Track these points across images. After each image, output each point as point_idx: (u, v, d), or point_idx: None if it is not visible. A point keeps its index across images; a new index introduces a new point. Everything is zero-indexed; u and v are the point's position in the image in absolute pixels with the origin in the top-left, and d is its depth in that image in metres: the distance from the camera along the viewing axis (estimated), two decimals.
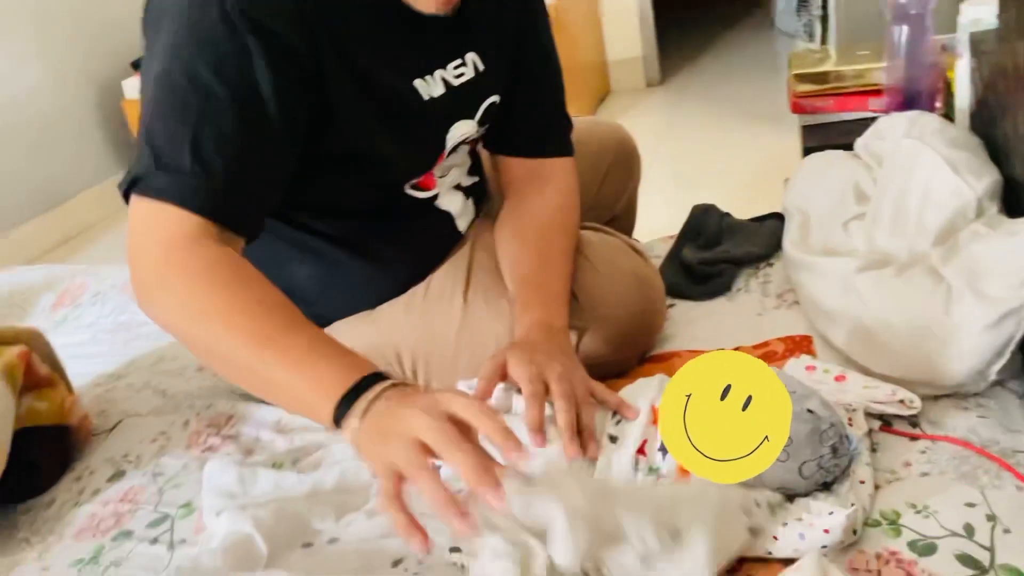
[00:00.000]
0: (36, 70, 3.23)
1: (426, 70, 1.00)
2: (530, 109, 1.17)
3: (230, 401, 1.22)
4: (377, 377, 0.78)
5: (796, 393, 0.81)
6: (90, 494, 1.09)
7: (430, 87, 1.00)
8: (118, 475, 1.11)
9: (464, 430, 0.71)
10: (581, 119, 1.27)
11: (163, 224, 0.83)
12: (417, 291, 1.10)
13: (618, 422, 0.91)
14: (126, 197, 0.87)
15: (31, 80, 3.21)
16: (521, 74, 1.13)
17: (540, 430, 0.85)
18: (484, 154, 1.24)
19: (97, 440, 1.21)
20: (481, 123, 1.10)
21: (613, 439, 0.90)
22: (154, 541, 0.98)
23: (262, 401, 1.20)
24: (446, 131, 1.05)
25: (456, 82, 1.03)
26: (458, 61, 1.03)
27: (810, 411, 0.80)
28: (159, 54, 0.86)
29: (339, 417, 0.76)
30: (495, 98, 1.10)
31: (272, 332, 0.80)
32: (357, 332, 1.08)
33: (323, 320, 1.10)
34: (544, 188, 1.15)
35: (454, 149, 1.08)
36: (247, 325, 0.80)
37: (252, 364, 0.80)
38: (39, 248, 3.18)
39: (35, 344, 1.19)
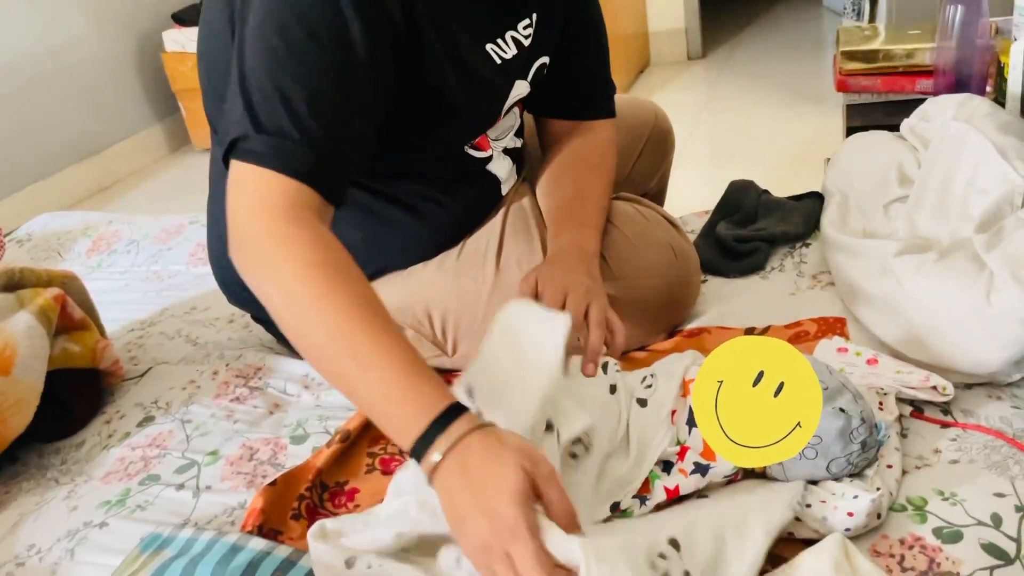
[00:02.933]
0: (77, 20, 3.25)
1: (500, 33, 1.01)
2: (577, 73, 1.17)
3: (259, 353, 1.23)
4: (457, 411, 0.74)
5: (828, 389, 0.80)
6: (119, 438, 1.11)
7: (503, 49, 1.01)
8: (147, 420, 1.13)
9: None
10: (620, 96, 1.27)
11: (263, 191, 0.82)
12: (451, 252, 1.10)
13: (648, 386, 0.91)
14: (226, 161, 0.86)
15: (72, 30, 3.23)
16: (569, 38, 1.14)
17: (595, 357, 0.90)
18: (527, 117, 1.24)
19: (128, 385, 1.22)
20: (531, 83, 1.10)
21: (642, 403, 0.90)
22: (180, 487, 1.00)
23: (290, 354, 1.21)
24: (508, 91, 1.06)
25: (526, 42, 1.04)
26: (527, 21, 1.04)
27: (841, 409, 0.79)
28: (256, 11, 0.85)
29: (419, 449, 0.73)
30: (545, 59, 1.11)
31: (362, 337, 0.77)
32: (390, 290, 1.08)
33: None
34: (582, 137, 1.17)
35: (508, 110, 1.09)
36: (339, 323, 0.77)
37: (339, 366, 0.78)
38: (76, 195, 3.22)
39: (70, 288, 1.20)
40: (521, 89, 1.08)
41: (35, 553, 0.94)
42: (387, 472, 0.97)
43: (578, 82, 1.18)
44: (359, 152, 0.91)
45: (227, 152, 0.85)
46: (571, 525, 0.70)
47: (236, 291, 1.21)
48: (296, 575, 0.79)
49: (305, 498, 0.93)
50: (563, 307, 0.92)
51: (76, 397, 1.15)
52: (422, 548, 0.79)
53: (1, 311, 1.10)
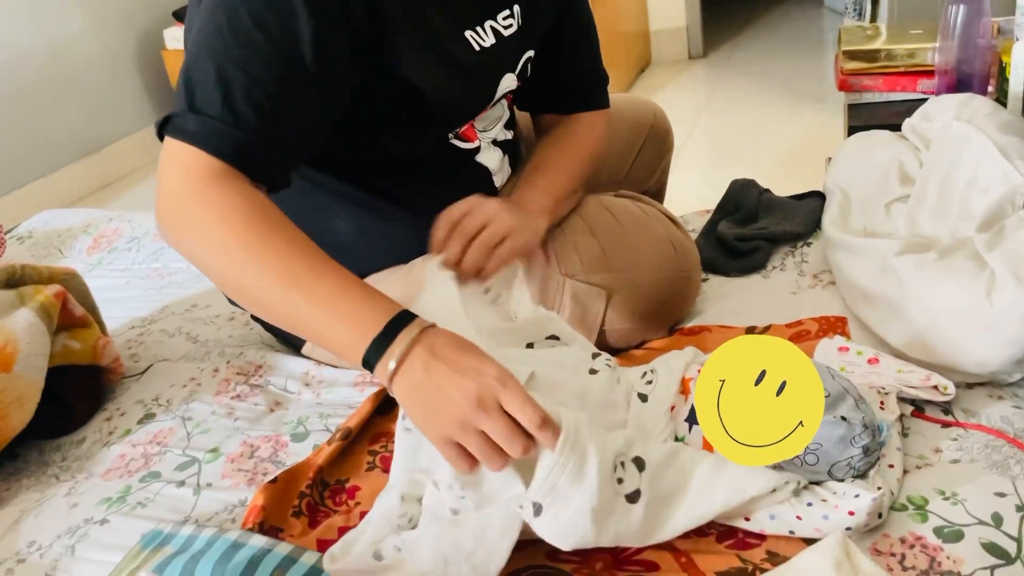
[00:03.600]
0: (78, 18, 3.25)
1: (478, 20, 1.01)
2: (567, 68, 1.18)
3: (260, 351, 1.23)
4: (407, 317, 0.78)
5: (829, 396, 0.80)
6: (120, 435, 1.11)
7: (482, 37, 1.01)
8: (148, 417, 1.13)
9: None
10: (617, 95, 1.28)
11: (191, 163, 0.84)
12: None
13: (649, 382, 0.91)
14: (160, 135, 0.88)
15: (73, 28, 3.23)
16: (558, 33, 1.14)
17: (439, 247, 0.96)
18: (521, 113, 1.25)
19: (128, 382, 1.22)
20: (519, 77, 1.11)
21: (643, 397, 0.90)
22: (181, 484, 1.00)
23: (291, 352, 1.21)
24: (496, 82, 1.06)
25: (506, 32, 1.04)
26: (506, 11, 1.04)
27: (843, 417, 0.79)
28: None
29: (371, 360, 0.76)
30: (531, 53, 1.11)
31: (301, 271, 0.81)
32: (390, 284, 1.09)
33: (358, 274, 1.10)
34: (569, 124, 1.18)
35: (495, 102, 1.09)
36: (276, 263, 0.81)
37: (280, 301, 0.81)
38: (77, 192, 3.22)
39: (71, 284, 1.20)
40: (509, 82, 1.08)
41: (36, 550, 0.94)
42: (387, 470, 0.97)
43: (569, 77, 1.19)
44: (298, 142, 0.91)
45: (161, 125, 0.86)
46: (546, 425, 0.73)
47: None
48: (297, 572, 0.79)
49: (306, 495, 0.93)
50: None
51: (77, 394, 1.15)
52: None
53: (2, 308, 1.10)
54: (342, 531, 0.88)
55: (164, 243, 1.64)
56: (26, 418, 1.06)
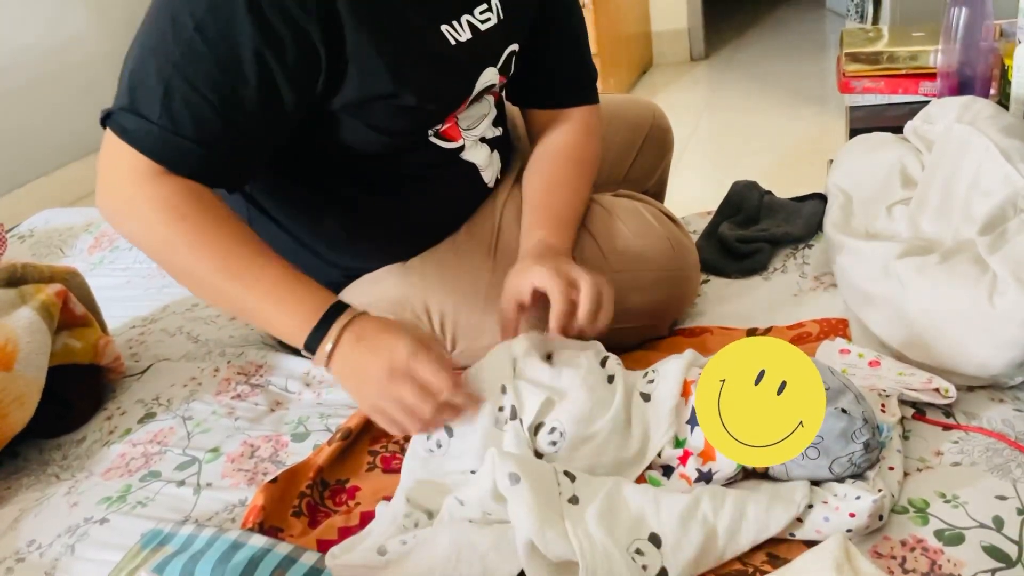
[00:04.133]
0: (81, 17, 3.25)
1: (453, 15, 0.99)
2: (554, 61, 1.18)
3: (260, 351, 1.23)
4: (340, 306, 0.89)
5: (830, 389, 0.80)
6: (120, 434, 1.11)
7: (457, 32, 1.00)
8: (148, 417, 1.13)
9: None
10: (617, 96, 1.28)
11: (130, 160, 0.88)
12: (447, 246, 1.10)
13: (650, 381, 0.91)
14: (103, 123, 0.91)
15: (76, 27, 3.23)
16: (544, 28, 1.14)
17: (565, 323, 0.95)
18: (511, 106, 1.24)
19: (129, 381, 1.22)
20: (502, 71, 1.09)
21: (645, 397, 0.90)
22: (181, 483, 1.00)
23: (292, 353, 1.21)
24: (475, 77, 1.04)
25: (483, 27, 1.03)
26: (483, 6, 1.03)
27: (843, 410, 0.79)
28: None
29: (311, 345, 0.88)
30: (515, 47, 1.10)
31: (240, 264, 0.89)
32: (386, 284, 1.09)
33: (353, 272, 1.11)
34: (562, 126, 1.18)
35: (477, 98, 1.08)
36: (214, 257, 0.89)
37: (225, 291, 0.90)
38: (78, 192, 3.22)
39: (72, 283, 1.20)
40: (490, 76, 1.07)
41: (35, 548, 0.94)
42: (388, 470, 0.97)
43: (556, 71, 1.18)
44: (247, 148, 0.92)
45: (105, 116, 0.90)
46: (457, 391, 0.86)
47: None
48: (297, 572, 0.79)
49: (306, 496, 0.93)
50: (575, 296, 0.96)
51: (77, 393, 1.15)
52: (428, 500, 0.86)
53: (3, 307, 1.10)
54: (342, 531, 0.88)
55: None
56: (26, 417, 1.06)
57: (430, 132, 1.05)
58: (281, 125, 0.92)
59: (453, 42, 0.99)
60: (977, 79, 1.46)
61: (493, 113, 1.14)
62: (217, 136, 0.88)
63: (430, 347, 0.88)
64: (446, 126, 1.06)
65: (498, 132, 1.16)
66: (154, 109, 0.86)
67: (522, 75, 1.15)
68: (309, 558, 0.80)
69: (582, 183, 1.13)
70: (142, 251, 0.94)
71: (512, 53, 1.10)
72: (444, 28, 0.98)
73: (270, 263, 0.90)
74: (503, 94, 1.18)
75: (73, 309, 1.16)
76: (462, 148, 1.10)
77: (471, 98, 1.06)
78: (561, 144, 1.16)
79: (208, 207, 0.89)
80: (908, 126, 1.28)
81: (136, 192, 0.89)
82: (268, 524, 0.89)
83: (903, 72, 1.61)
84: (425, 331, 0.92)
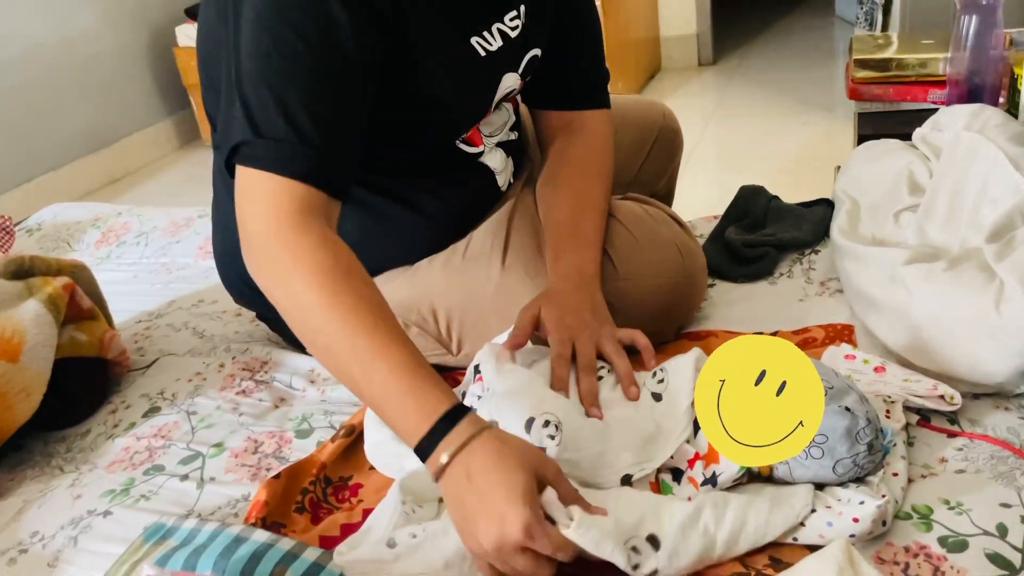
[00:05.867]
0: (91, 13, 3.26)
1: (486, 25, 1.01)
2: (570, 65, 1.18)
3: (265, 347, 1.23)
4: (460, 411, 0.77)
5: (833, 388, 0.80)
6: (125, 428, 1.11)
7: (488, 42, 1.01)
8: (153, 411, 1.13)
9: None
10: (628, 97, 1.27)
11: (269, 194, 0.85)
12: (457, 249, 1.11)
13: (660, 381, 0.91)
14: (229, 166, 0.88)
15: (86, 23, 3.24)
16: (560, 30, 1.14)
17: (564, 388, 0.92)
18: (522, 109, 1.25)
19: (134, 375, 1.23)
20: (522, 76, 1.10)
21: (656, 397, 0.90)
22: (184, 478, 1.00)
23: (296, 350, 1.21)
24: (497, 83, 1.05)
25: (513, 34, 1.04)
26: (513, 12, 1.04)
27: (847, 408, 0.79)
28: (247, 11, 0.86)
29: (426, 447, 0.76)
30: (536, 51, 1.11)
31: (365, 341, 0.80)
32: (394, 286, 1.09)
33: None
34: (578, 136, 1.17)
35: (499, 105, 1.09)
36: (343, 328, 0.80)
37: (348, 365, 0.81)
38: (86, 186, 3.23)
39: (79, 277, 1.21)
40: (511, 82, 1.08)
41: (38, 540, 0.94)
42: None
43: (571, 73, 1.18)
44: (356, 147, 0.92)
45: (230, 156, 0.88)
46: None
47: (240, 288, 1.21)
48: (298, 568, 0.79)
49: (309, 492, 0.93)
50: (572, 355, 0.95)
51: (82, 386, 1.16)
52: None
53: (10, 299, 1.10)
54: (344, 528, 0.88)
55: (172, 238, 1.65)
56: (32, 409, 1.07)
57: (458, 139, 1.07)
58: (371, 113, 0.92)
59: (483, 53, 1.00)
60: (986, 87, 1.46)
61: (512, 119, 1.15)
62: (340, 137, 0.87)
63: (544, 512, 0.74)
64: (470, 132, 1.08)
65: (513, 136, 1.17)
66: (279, 127, 0.85)
67: (539, 75, 1.15)
68: (311, 554, 0.80)
69: (605, 200, 1.13)
70: (274, 303, 0.86)
71: (534, 57, 1.11)
72: (474, 40, 0.99)
73: (400, 344, 0.80)
74: (518, 96, 1.19)
75: (80, 302, 1.16)
76: (481, 152, 1.11)
77: (494, 105, 1.07)
78: (582, 156, 1.15)
79: (348, 269, 0.84)
80: (917, 133, 1.28)
81: (278, 245, 0.83)
82: (271, 520, 0.89)
83: (912, 79, 1.61)
84: (541, 458, 0.77)
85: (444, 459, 0.75)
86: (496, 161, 1.13)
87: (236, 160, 0.87)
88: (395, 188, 1.07)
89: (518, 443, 0.77)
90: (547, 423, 0.84)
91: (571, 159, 1.15)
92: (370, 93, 0.90)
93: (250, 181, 0.86)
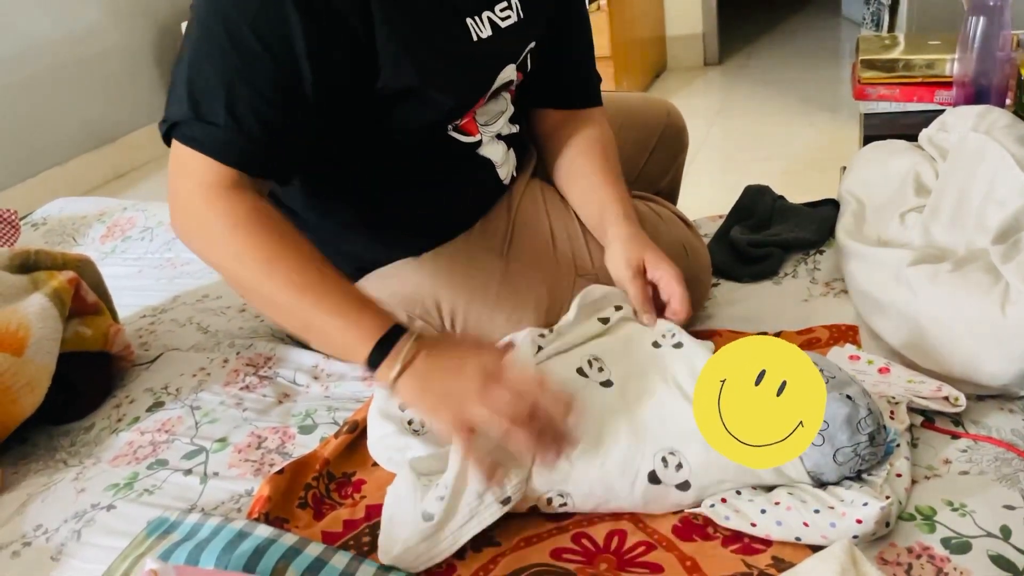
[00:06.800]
0: (96, 9, 3.26)
1: (475, 10, 1.01)
2: (567, 62, 1.19)
3: (270, 343, 1.23)
4: (402, 329, 0.86)
5: (836, 378, 0.81)
6: (129, 422, 1.11)
7: (479, 28, 1.01)
8: (157, 406, 1.14)
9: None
10: (632, 94, 1.28)
11: (202, 170, 0.89)
12: (460, 243, 1.11)
13: (673, 335, 0.97)
14: (166, 138, 0.92)
15: (91, 19, 3.24)
16: (556, 29, 1.15)
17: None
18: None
19: (138, 370, 1.23)
20: (520, 68, 1.10)
21: (678, 345, 0.95)
22: (188, 472, 1.00)
23: (301, 345, 1.21)
24: (495, 74, 1.06)
25: (503, 24, 1.04)
26: (504, 3, 1.04)
27: (849, 397, 0.79)
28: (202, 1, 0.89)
29: (375, 360, 0.84)
30: (532, 44, 1.11)
31: (309, 280, 0.88)
32: (399, 279, 1.09)
33: (367, 264, 1.11)
34: (581, 129, 1.18)
35: (495, 95, 1.09)
36: (285, 273, 0.88)
37: (291, 307, 0.89)
38: (91, 181, 3.23)
39: (85, 271, 1.21)
40: (509, 73, 1.08)
41: (42, 533, 0.94)
42: None
43: (568, 71, 1.20)
44: (303, 141, 0.93)
45: (169, 130, 0.91)
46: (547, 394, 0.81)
47: None
48: (301, 563, 0.79)
49: (312, 488, 0.93)
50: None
51: (87, 380, 1.16)
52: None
53: (16, 292, 1.10)
54: (347, 524, 0.88)
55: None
56: (36, 402, 1.07)
57: (451, 126, 1.06)
58: (334, 116, 0.94)
59: (475, 38, 1.00)
60: (993, 89, 1.46)
61: (510, 110, 1.15)
62: (280, 132, 0.90)
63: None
64: (464, 120, 1.07)
65: (514, 129, 1.16)
66: (219, 114, 0.88)
67: (537, 74, 1.15)
68: (314, 549, 0.80)
69: (624, 183, 1.16)
70: (212, 267, 0.94)
71: (531, 51, 1.11)
72: (469, 22, 1.00)
73: (336, 281, 0.89)
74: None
75: (85, 297, 1.17)
76: (479, 143, 1.10)
77: (489, 94, 1.07)
78: (592, 143, 1.17)
79: (276, 224, 0.90)
80: (923, 134, 1.28)
81: (207, 210, 0.89)
82: (274, 515, 0.89)
83: (919, 80, 1.60)
84: (481, 341, 0.91)
85: (395, 371, 0.83)
86: (496, 153, 1.13)
87: (174, 135, 0.91)
88: (393, 180, 1.07)
89: (456, 339, 0.89)
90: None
91: (584, 148, 1.17)
92: (324, 98, 0.91)
93: (184, 157, 0.90)
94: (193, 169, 0.89)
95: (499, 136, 1.13)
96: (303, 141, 0.93)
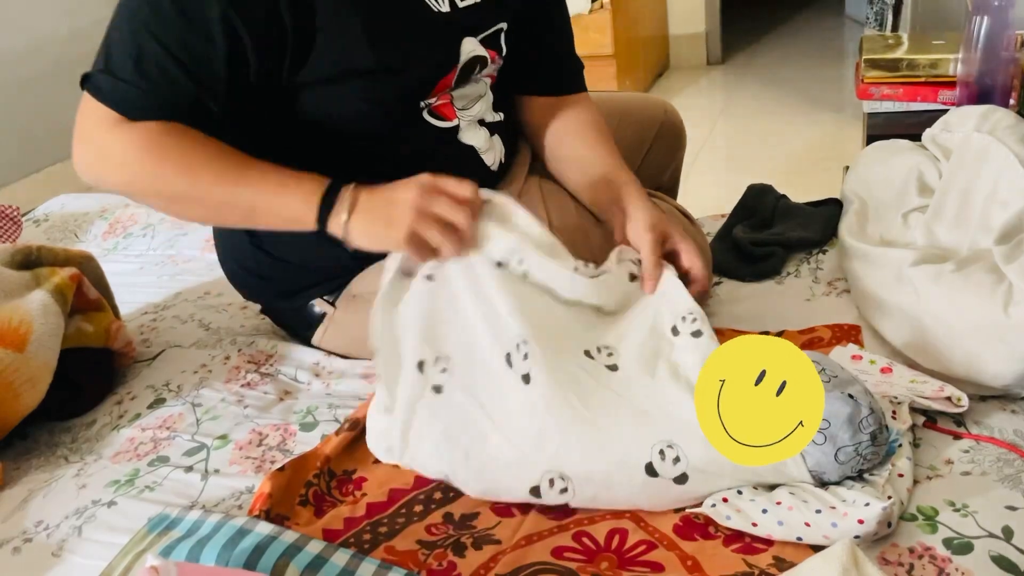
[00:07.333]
0: (101, 4, 3.26)
1: None
2: (547, 48, 1.21)
3: (271, 340, 1.23)
4: (337, 182, 0.93)
5: (838, 377, 0.81)
6: (130, 418, 1.11)
7: (438, 2, 1.02)
8: (158, 402, 1.14)
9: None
10: (628, 94, 1.28)
11: (107, 115, 0.94)
12: None
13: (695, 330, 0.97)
14: (82, 86, 0.96)
15: (95, 14, 3.24)
16: (535, 15, 1.16)
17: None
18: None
19: (140, 367, 1.23)
20: (491, 47, 1.10)
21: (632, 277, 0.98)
22: (189, 469, 1.00)
23: (302, 343, 1.21)
24: (456, 46, 1.06)
25: (461, 3, 1.05)
26: None
27: (851, 396, 0.79)
28: None
29: (323, 217, 0.92)
30: (503, 25, 1.11)
31: (238, 169, 0.94)
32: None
33: (362, 253, 1.11)
34: (569, 114, 1.19)
35: (472, 79, 1.09)
36: (207, 171, 0.93)
37: (229, 198, 0.94)
38: None
39: (87, 268, 1.21)
40: (472, 46, 1.07)
41: (43, 529, 0.94)
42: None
43: (547, 58, 1.21)
44: (208, 106, 0.95)
45: (84, 78, 0.95)
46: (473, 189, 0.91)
47: (246, 283, 1.21)
48: (302, 560, 0.79)
49: (313, 485, 0.93)
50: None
51: (88, 377, 1.16)
52: None
53: (18, 288, 1.10)
54: (348, 521, 0.88)
55: (179, 231, 1.65)
56: (38, 398, 1.07)
57: (423, 107, 1.06)
58: (249, 91, 0.96)
59: (435, 9, 1.02)
60: (997, 89, 1.46)
61: (490, 97, 1.15)
62: (186, 95, 0.93)
63: None
64: (439, 102, 1.07)
65: (499, 117, 1.17)
66: (127, 70, 0.92)
67: (520, 62, 1.16)
68: (315, 547, 0.80)
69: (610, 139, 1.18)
70: (130, 194, 0.98)
71: (500, 31, 1.11)
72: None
73: (259, 163, 0.94)
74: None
75: (87, 293, 1.17)
76: (458, 129, 1.10)
77: (458, 70, 1.07)
78: (582, 123, 1.18)
79: (183, 132, 0.93)
80: (926, 134, 1.27)
81: (112, 138, 0.93)
82: (275, 512, 0.89)
83: (922, 80, 1.60)
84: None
85: (344, 217, 0.91)
86: (477, 139, 1.13)
87: (85, 86, 0.95)
88: (372, 166, 1.04)
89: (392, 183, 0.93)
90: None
91: (575, 128, 1.18)
92: (237, 65, 0.93)
93: (92, 107, 0.94)
94: (98, 115, 0.94)
95: (481, 123, 1.13)
96: (211, 109, 0.95)
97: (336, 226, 0.92)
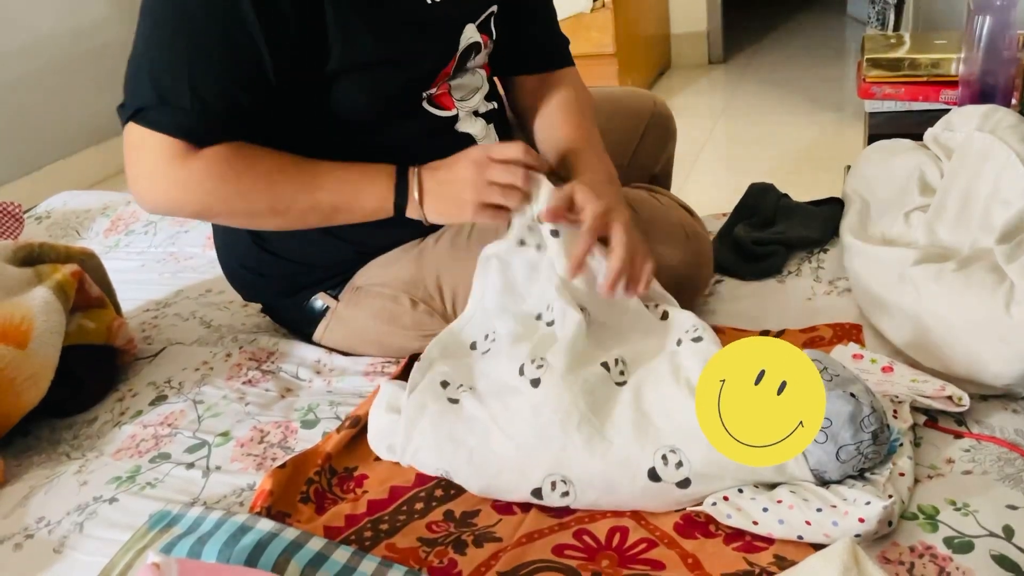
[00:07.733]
0: (102, 2, 3.26)
1: None
2: (533, 26, 1.23)
3: (272, 338, 1.23)
4: (402, 168, 0.99)
5: (840, 376, 0.81)
6: (132, 415, 1.12)
7: None
8: (160, 399, 1.14)
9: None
10: (616, 88, 1.30)
11: (171, 147, 0.95)
12: (459, 227, 1.11)
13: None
14: (125, 122, 0.96)
15: (96, 13, 3.24)
16: None
17: (580, 265, 0.98)
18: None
19: (141, 364, 1.23)
20: (483, 31, 1.12)
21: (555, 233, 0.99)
22: (190, 466, 1.00)
23: (303, 340, 1.21)
24: (457, 35, 1.08)
25: None
26: None
27: (852, 395, 0.79)
28: None
29: (402, 204, 0.99)
30: (494, 8, 1.14)
31: (308, 176, 0.99)
32: (399, 266, 1.11)
33: (368, 248, 1.12)
34: (555, 92, 1.20)
35: (469, 69, 1.12)
36: (288, 181, 0.98)
37: (312, 203, 0.99)
38: (95, 175, 3.23)
39: (88, 265, 1.21)
40: (471, 34, 1.09)
41: (44, 525, 0.94)
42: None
43: (533, 34, 1.23)
44: (261, 115, 0.98)
45: (131, 117, 0.95)
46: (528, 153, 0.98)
47: (246, 282, 1.22)
48: (303, 557, 0.79)
49: (314, 482, 0.93)
50: (598, 229, 0.99)
51: (90, 373, 1.16)
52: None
53: (19, 285, 1.10)
54: (349, 518, 0.88)
55: (181, 228, 1.65)
56: (40, 395, 1.07)
57: (424, 97, 1.07)
58: (288, 92, 0.98)
59: (429, 1, 1.03)
60: (999, 88, 1.46)
61: (486, 87, 1.17)
62: (243, 110, 0.96)
63: None
64: (439, 92, 1.09)
65: (492, 106, 1.18)
66: (185, 97, 0.92)
67: (507, 42, 1.18)
68: (316, 544, 0.80)
69: (599, 136, 1.19)
70: (205, 217, 1.02)
71: (491, 14, 1.13)
72: None
73: (325, 165, 1.00)
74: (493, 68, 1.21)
75: (88, 290, 1.17)
76: (456, 119, 1.12)
77: (457, 59, 1.08)
78: (565, 97, 1.19)
79: (250, 150, 0.98)
80: (928, 133, 1.27)
81: (185, 170, 0.95)
82: (276, 509, 0.89)
83: (924, 79, 1.60)
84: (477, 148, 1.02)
85: (416, 190, 0.99)
86: (475, 128, 1.14)
87: (136, 120, 0.95)
88: (376, 155, 1.06)
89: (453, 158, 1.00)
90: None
91: (555, 103, 1.19)
92: (277, 67, 0.95)
93: (144, 143, 0.95)
94: (152, 147, 0.95)
95: (476, 113, 1.15)
96: (263, 117, 0.98)
97: (413, 212, 1.00)
